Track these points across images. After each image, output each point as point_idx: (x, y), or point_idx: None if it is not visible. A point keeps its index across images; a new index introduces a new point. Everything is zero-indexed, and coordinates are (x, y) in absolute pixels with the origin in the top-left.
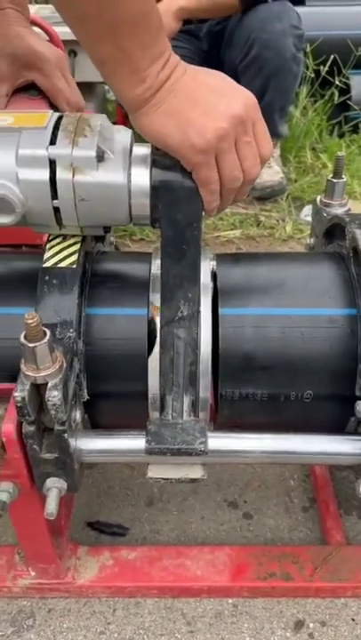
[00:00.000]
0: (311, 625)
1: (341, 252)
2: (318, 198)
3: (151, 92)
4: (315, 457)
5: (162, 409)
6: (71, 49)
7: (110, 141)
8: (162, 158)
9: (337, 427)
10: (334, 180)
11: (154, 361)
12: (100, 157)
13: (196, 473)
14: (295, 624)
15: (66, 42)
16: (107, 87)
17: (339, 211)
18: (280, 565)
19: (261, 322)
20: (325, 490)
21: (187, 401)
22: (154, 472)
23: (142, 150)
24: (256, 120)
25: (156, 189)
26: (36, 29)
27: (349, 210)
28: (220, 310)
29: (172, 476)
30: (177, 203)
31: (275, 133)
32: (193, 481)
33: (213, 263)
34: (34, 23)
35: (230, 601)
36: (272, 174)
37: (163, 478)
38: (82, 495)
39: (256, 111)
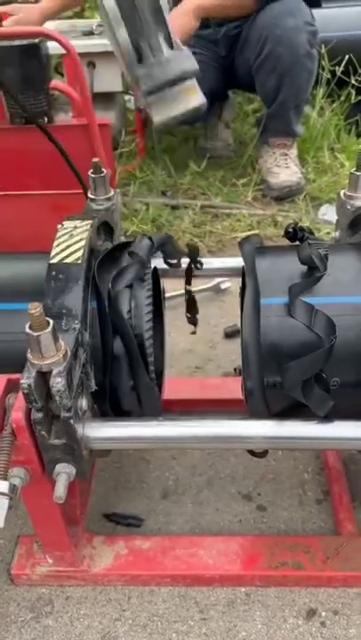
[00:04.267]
0: (323, 613)
1: None
2: (342, 192)
3: None
4: (351, 442)
5: (140, 59)
6: (90, 61)
7: None
8: None
9: None
10: (358, 173)
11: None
12: None
13: (196, 101)
14: (307, 612)
15: (83, 54)
16: (127, 97)
17: None
18: (292, 555)
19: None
20: (339, 482)
21: (161, 36)
22: (159, 116)
23: None
24: None
25: None
26: (54, 43)
27: None
28: (262, 301)
29: (175, 112)
30: None
31: (290, 132)
32: (196, 110)
33: None
34: (51, 37)
35: (243, 590)
36: (290, 174)
37: (169, 118)
38: (99, 488)
39: None
